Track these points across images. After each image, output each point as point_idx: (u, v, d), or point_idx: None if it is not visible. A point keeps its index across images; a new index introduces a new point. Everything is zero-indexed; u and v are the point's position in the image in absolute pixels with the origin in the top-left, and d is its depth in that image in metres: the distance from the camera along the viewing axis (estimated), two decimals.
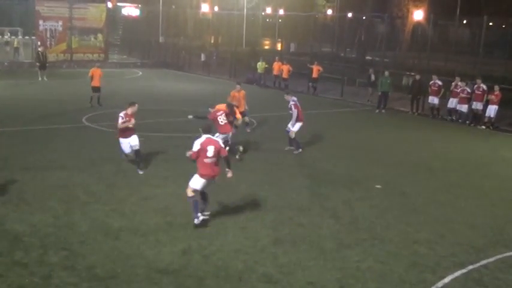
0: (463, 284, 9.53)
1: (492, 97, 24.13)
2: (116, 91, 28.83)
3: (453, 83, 25.81)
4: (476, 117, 24.84)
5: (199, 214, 11.24)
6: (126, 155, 15.01)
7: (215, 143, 11.31)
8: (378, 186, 14.67)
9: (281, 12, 57.99)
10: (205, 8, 59.16)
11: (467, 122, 25.00)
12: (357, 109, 28.93)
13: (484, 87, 24.71)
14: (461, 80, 25.67)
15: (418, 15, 50.33)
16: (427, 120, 26.00)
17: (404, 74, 34.41)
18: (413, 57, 46.41)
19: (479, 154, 19.64)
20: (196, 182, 11.23)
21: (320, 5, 71.76)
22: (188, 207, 11.42)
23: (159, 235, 10.83)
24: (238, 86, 19.88)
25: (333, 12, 65.84)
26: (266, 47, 65.84)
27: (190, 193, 11.24)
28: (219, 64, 44.93)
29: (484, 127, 24.22)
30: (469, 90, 25.03)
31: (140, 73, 41.18)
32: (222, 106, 16.53)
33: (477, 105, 24.68)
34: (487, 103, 24.32)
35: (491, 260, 10.48)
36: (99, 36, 44.27)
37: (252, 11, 59.14)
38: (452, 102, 25.71)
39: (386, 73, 28.44)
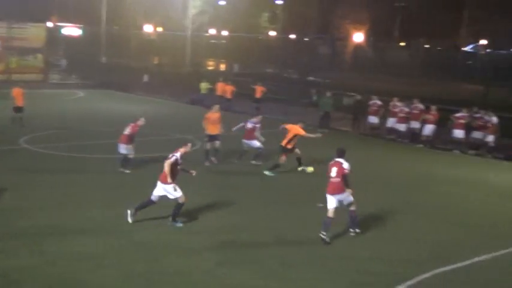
0: None
1: (429, 116, 24.93)
2: (51, 113, 28.23)
3: (391, 103, 26.53)
4: (414, 136, 25.56)
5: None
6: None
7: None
8: (320, 205, 14.80)
9: (225, 33, 58.43)
10: (148, 28, 58.91)
11: (406, 140, 25.68)
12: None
13: (421, 106, 25.52)
14: (399, 100, 26.42)
15: (359, 37, 51.68)
16: (368, 139, 26.55)
17: (345, 94, 35.12)
18: (354, 78, 47.40)
19: (417, 172, 20.15)
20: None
21: (263, 26, 72.74)
22: (126, 228, 11.26)
23: (100, 259, 10.59)
24: (216, 107, 19.44)
25: (276, 33, 66.82)
26: (210, 68, 66.01)
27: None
28: (162, 85, 44.66)
29: (421, 145, 24.92)
30: (407, 109, 25.77)
31: (81, 94, 40.43)
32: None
33: (415, 125, 25.44)
34: (424, 122, 25.10)
35: (428, 275, 10.73)
36: (39, 56, 43.34)
37: (196, 32, 59.31)
38: (391, 122, 26.40)
39: (328, 93, 28.98)
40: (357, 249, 11.86)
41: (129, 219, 12.47)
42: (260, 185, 16.92)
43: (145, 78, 44.39)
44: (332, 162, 12.47)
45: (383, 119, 27.06)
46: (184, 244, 11.56)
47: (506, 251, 12.32)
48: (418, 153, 23.71)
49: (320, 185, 16.85)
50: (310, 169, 18.21)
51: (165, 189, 12.45)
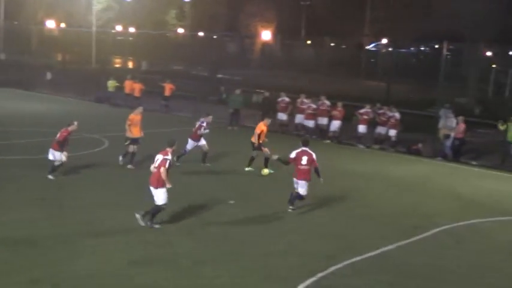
0: None
1: (335, 113, 25.64)
2: None
3: (298, 100, 27.06)
4: (321, 132, 26.19)
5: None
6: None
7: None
8: (231, 202, 14.86)
9: (132, 30, 57.26)
10: (50, 24, 56.67)
11: (314, 136, 26.27)
12: (210, 126, 29.09)
13: (328, 103, 26.21)
14: (306, 97, 27.00)
15: (266, 35, 52.35)
16: (277, 136, 26.85)
17: (254, 91, 35.42)
18: (262, 75, 47.89)
19: (325, 166, 20.58)
20: None
21: (171, 23, 71.97)
22: (24, 235, 10.83)
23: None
24: (140, 108, 18.69)
25: (185, 31, 66.33)
26: (117, 65, 64.50)
27: None
28: (67, 83, 43.06)
29: (328, 141, 25.58)
30: (314, 106, 26.36)
31: None
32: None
33: (322, 121, 26.09)
34: (331, 118, 25.79)
35: (339, 266, 11.04)
36: None
37: (102, 29, 57.75)
38: (298, 118, 26.93)
39: (238, 91, 29.12)
40: (269, 245, 12.00)
41: (141, 223, 12.39)
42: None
43: (49, 75, 42.61)
44: (299, 151, 14.24)
45: (291, 115, 27.53)
46: (94, 246, 11.22)
47: (410, 240, 12.92)
48: (326, 149, 24.27)
49: (234, 182, 17.04)
50: (265, 172, 17.91)
51: (155, 193, 12.28)
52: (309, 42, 61.07)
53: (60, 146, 15.61)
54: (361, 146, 24.87)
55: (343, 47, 57.02)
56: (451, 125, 23.18)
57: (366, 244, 12.33)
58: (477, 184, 19.29)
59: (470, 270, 11.50)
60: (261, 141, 18.10)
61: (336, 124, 25.61)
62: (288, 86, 35.99)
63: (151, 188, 12.35)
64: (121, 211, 13.47)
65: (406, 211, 15.34)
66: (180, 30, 68.57)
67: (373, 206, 15.64)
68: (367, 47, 58.22)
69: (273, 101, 28.25)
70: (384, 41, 57.87)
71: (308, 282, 10.21)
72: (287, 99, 27.70)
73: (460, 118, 23.18)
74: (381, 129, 25.09)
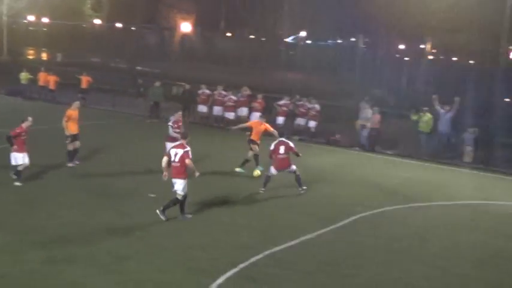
0: (236, 282, 10.00)
1: (255, 104, 25.84)
2: None
3: (215, 92, 27.05)
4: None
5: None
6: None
7: None
8: (152, 195, 14.67)
9: (45, 20, 55.15)
10: None
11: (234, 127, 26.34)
12: (129, 119, 28.68)
13: (248, 92, 26.44)
14: (224, 89, 27.06)
15: (186, 27, 51.89)
16: (199, 128, 26.77)
17: (174, 83, 35.09)
18: (182, 68, 47.47)
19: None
20: None
21: (87, 14, 69.78)
22: None
23: None
24: (77, 103, 17.71)
25: (102, 22, 64.57)
26: (30, 57, 61.96)
27: None
28: None
29: (249, 132, 25.68)
30: (234, 98, 26.45)
31: None
32: None
33: (243, 112, 26.22)
34: (251, 110, 25.94)
35: (260, 256, 11.16)
36: None
37: (13, 19, 55.23)
38: (217, 110, 26.96)
39: (157, 83, 28.76)
40: (193, 238, 11.96)
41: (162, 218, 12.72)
42: (97, 184, 16.28)
43: None
44: (277, 142, 15.52)
45: (212, 107, 27.49)
46: (7, 245, 10.79)
47: (329, 228, 13.24)
48: (246, 140, 24.40)
49: (146, 177, 16.78)
50: (256, 172, 17.40)
51: (176, 182, 12.72)
52: (229, 34, 61.06)
53: (19, 148, 14.56)
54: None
55: (263, 39, 57.38)
56: (367, 116, 23.94)
57: (286, 234, 12.52)
58: (392, 172, 20.01)
59: (386, 255, 11.93)
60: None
61: (256, 115, 25.77)
62: (208, 78, 35.83)
63: (174, 179, 12.74)
64: (37, 207, 13.04)
65: (324, 200, 15.67)
66: (97, 21, 66.69)
67: (292, 196, 15.83)
68: (286, 40, 58.88)
69: (193, 93, 28.11)
70: (303, 33, 58.73)
71: (230, 273, 10.26)
72: (207, 91, 27.63)
73: (375, 109, 23.98)
74: (300, 121, 25.52)
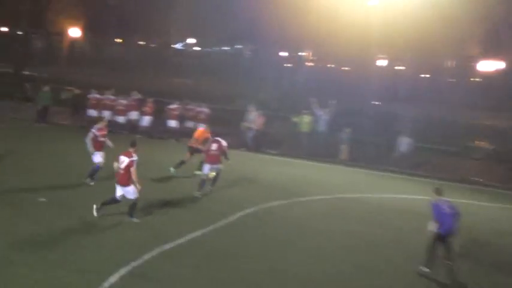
0: (128, 281, 9.78)
1: (146, 108, 25.45)
2: None
3: (103, 96, 26.34)
4: (133, 127, 25.77)
5: None
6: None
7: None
8: (43, 200, 13.99)
9: None
10: None
11: (125, 131, 25.75)
12: (16, 124, 27.10)
13: (139, 97, 26.02)
14: (113, 94, 26.42)
15: (75, 32, 49.93)
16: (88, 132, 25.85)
17: (63, 88, 33.69)
18: (71, 72, 45.67)
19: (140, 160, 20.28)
20: None
21: None
22: None
23: None
24: None
25: None
26: None
27: None
28: None
29: (140, 135, 25.25)
30: (124, 102, 25.87)
31: None
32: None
33: (133, 116, 25.72)
34: (141, 114, 25.52)
35: (151, 253, 11.00)
36: None
37: None
38: (108, 114, 26.19)
39: (46, 88, 27.44)
40: (82, 238, 11.55)
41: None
42: None
43: None
44: (212, 139, 16.37)
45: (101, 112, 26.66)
46: None
47: (216, 225, 13.31)
48: (138, 143, 23.90)
49: (36, 180, 15.98)
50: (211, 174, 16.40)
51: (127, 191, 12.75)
52: (119, 40, 59.59)
53: None
54: (172, 140, 24.99)
55: (152, 45, 56.57)
56: (252, 119, 24.43)
57: (175, 231, 12.44)
58: (276, 170, 20.53)
59: (270, 246, 12.23)
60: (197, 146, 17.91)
61: (146, 119, 25.47)
62: (99, 82, 34.74)
63: (120, 187, 12.72)
64: None
65: (213, 198, 15.73)
66: None
67: (176, 194, 15.70)
68: (174, 46, 58.43)
69: (82, 97, 27.19)
70: (191, 40, 58.61)
71: (122, 271, 10.02)
72: (98, 95, 26.78)
73: (259, 112, 24.53)
74: (189, 124, 25.47)
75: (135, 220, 12.89)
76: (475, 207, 17.42)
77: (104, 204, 12.93)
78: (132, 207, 12.93)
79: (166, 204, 14.74)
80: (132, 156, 12.76)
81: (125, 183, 12.68)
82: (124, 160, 12.72)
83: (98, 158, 15.78)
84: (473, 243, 13.56)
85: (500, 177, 22.38)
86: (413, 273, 11.38)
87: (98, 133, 15.92)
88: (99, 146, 15.87)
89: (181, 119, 25.55)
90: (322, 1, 31.03)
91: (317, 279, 10.80)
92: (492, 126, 33.14)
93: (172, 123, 25.18)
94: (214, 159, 15.97)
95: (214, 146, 16.09)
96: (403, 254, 12.59)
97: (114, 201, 12.92)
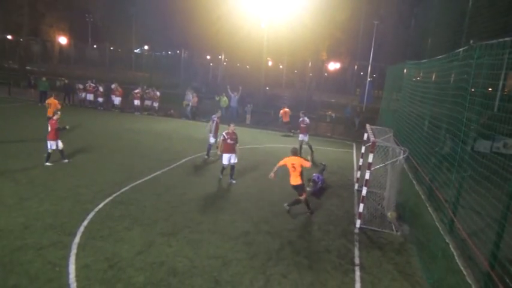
0: (111, 205, 9.51)
1: (117, 92, 24.17)
2: None
3: (87, 84, 24.61)
4: (111, 105, 24.39)
5: None
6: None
7: None
8: (48, 164, 13.00)
9: None
10: None
11: (101, 108, 24.36)
12: (23, 103, 24.75)
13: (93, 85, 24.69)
14: (95, 83, 24.84)
15: (63, 40, 46.11)
16: (78, 109, 24.20)
17: (57, 78, 31.05)
18: (62, 68, 42.28)
19: (114, 126, 19.40)
20: None
21: None
22: None
23: None
24: None
25: None
26: None
27: None
28: None
29: (117, 110, 24.02)
30: (101, 89, 24.42)
31: None
32: None
33: (112, 98, 24.39)
34: (114, 96, 24.22)
35: (126, 188, 10.71)
36: None
37: None
38: (89, 96, 24.67)
39: (44, 78, 25.22)
40: (77, 180, 10.97)
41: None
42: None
43: None
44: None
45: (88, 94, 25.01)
46: None
47: (169, 167, 13.09)
48: (114, 116, 22.82)
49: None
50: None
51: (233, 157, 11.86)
52: (95, 46, 55.56)
53: None
54: (137, 113, 23.98)
55: (119, 50, 53.29)
56: (189, 98, 23.93)
57: (143, 172, 12.15)
58: (204, 132, 20.25)
59: (203, 179, 12.24)
60: None
61: (117, 100, 24.26)
62: (81, 75, 32.40)
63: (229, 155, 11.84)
64: None
65: (164, 150, 15.44)
66: None
67: (145, 148, 15.28)
68: (135, 50, 55.56)
69: (71, 85, 25.40)
70: (146, 46, 56.01)
71: (106, 200, 9.73)
72: (81, 86, 25.00)
73: (194, 94, 24.07)
74: (148, 102, 24.52)
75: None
76: (327, 151, 18.34)
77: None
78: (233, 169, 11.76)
79: (135, 154, 14.27)
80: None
81: (233, 152, 11.77)
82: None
83: (211, 139, 14.47)
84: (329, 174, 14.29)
85: (339, 133, 23.60)
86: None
87: (217, 120, 14.47)
88: (216, 130, 14.35)
89: (142, 99, 24.52)
90: (232, 22, 30.69)
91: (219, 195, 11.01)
92: (334, 102, 34.67)
93: (136, 102, 24.14)
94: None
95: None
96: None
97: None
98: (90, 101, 24.90)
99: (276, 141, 19.35)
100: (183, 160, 14.13)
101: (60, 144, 12.15)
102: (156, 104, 24.38)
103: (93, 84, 24.68)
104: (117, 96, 24.17)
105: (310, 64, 35.30)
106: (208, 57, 46.63)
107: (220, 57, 42.17)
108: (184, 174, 12.62)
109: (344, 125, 25.35)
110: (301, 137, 16.30)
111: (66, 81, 25.77)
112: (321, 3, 28.14)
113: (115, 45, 48.86)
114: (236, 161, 12.22)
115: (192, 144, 17.05)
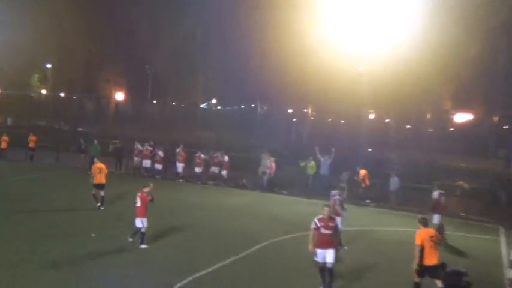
0: None
1: (179, 157, 25.74)
2: None
3: (144, 148, 26.61)
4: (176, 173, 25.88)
5: None
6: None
7: None
8: (93, 235, 13.92)
9: None
10: None
11: (158, 176, 25.83)
12: (71, 171, 27.32)
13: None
14: (150, 144, 26.68)
15: (119, 96, 50.93)
16: (130, 177, 25.97)
17: (110, 141, 34.13)
18: (116, 129, 46.31)
19: (175, 200, 20.25)
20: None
21: (35, 85, 66.62)
22: None
23: None
24: None
25: (47, 91, 61.97)
26: None
27: None
28: None
29: (182, 180, 25.38)
30: (161, 155, 26.20)
31: None
32: None
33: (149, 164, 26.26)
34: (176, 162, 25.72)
35: (181, 284, 10.77)
36: None
37: None
38: (146, 163, 26.44)
39: (95, 141, 27.84)
40: (129, 268, 11.39)
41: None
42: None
43: None
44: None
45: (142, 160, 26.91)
46: None
47: (246, 252, 13.11)
48: (173, 185, 23.97)
49: (87, 220, 15.91)
50: None
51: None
52: (154, 101, 60.60)
53: None
54: (199, 182, 24.98)
55: (182, 105, 57.39)
56: (266, 164, 24.39)
57: (201, 262, 12.22)
58: (286, 208, 20.28)
59: (285, 273, 11.95)
60: None
61: (180, 166, 25.71)
62: (138, 137, 35.16)
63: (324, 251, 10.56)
64: None
65: (236, 231, 15.53)
66: (43, 91, 63.88)
67: (209, 228, 15.54)
68: (201, 106, 59.32)
69: (124, 149, 27.79)
70: (214, 100, 59.46)
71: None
72: (140, 147, 27.06)
73: (272, 159, 24.57)
74: (214, 169, 25.50)
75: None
76: (463, 238, 17.00)
77: None
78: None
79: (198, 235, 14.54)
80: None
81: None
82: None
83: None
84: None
85: (476, 211, 21.91)
86: None
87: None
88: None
89: (207, 165, 25.64)
90: (320, 67, 31.44)
91: None
92: (465, 168, 32.80)
93: (198, 169, 25.30)
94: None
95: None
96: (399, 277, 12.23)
97: None
98: (146, 168, 26.57)
99: (390, 223, 18.55)
100: (257, 246, 14.01)
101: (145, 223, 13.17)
102: (224, 172, 25.20)
103: (150, 148, 26.49)
104: (180, 162, 25.57)
105: (429, 116, 34.28)
106: (290, 110, 47.81)
107: (305, 110, 43.02)
108: (257, 267, 12.34)
109: (483, 200, 23.63)
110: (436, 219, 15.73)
111: (119, 144, 28.13)
112: (439, 31, 27.24)
113: (178, 99, 52.63)
114: (333, 261, 10.39)
115: (272, 224, 16.94)
